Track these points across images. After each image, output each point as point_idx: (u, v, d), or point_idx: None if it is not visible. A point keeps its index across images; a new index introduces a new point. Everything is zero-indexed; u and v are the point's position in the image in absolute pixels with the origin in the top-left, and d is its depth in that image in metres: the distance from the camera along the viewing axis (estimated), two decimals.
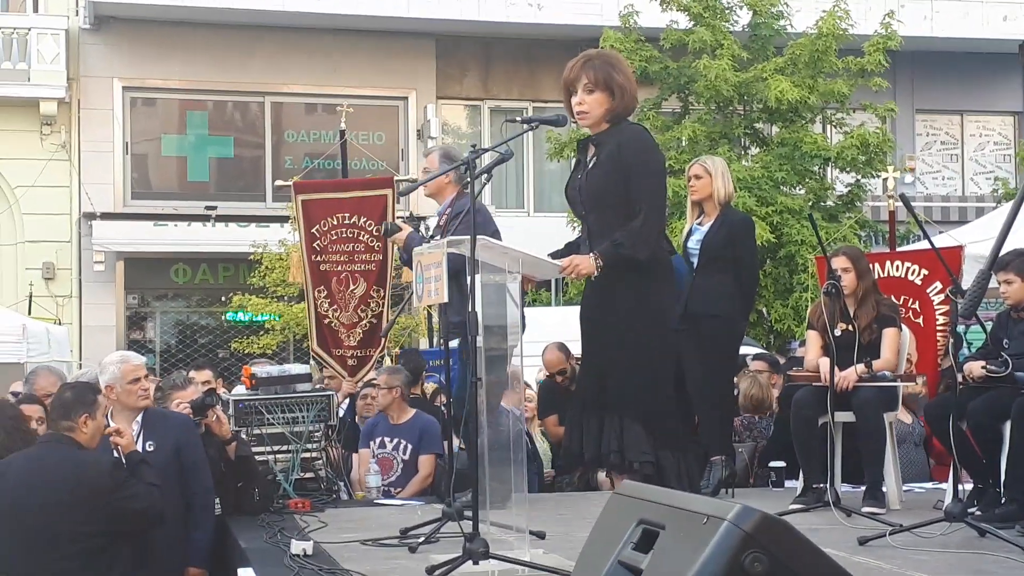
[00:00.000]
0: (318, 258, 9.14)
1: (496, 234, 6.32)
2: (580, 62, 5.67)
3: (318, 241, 9.12)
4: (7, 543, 5.61)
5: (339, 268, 9.13)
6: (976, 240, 8.82)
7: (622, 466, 5.43)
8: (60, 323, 18.30)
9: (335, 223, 9.10)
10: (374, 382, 8.59)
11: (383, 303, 9.15)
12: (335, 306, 9.16)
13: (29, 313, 17.46)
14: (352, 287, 9.15)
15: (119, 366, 6.64)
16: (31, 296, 19.22)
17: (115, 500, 5.61)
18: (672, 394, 5.75)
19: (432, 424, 8.33)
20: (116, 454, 5.98)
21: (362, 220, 9.05)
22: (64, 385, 6.46)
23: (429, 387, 9.69)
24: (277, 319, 18.03)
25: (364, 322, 9.17)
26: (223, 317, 20.44)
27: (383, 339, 9.31)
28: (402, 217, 7.46)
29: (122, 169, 20.55)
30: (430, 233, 7.34)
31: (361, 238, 9.07)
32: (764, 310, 16.52)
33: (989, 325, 6.84)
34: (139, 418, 6.57)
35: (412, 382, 9.03)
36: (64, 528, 5.57)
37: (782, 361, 10.62)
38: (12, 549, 5.60)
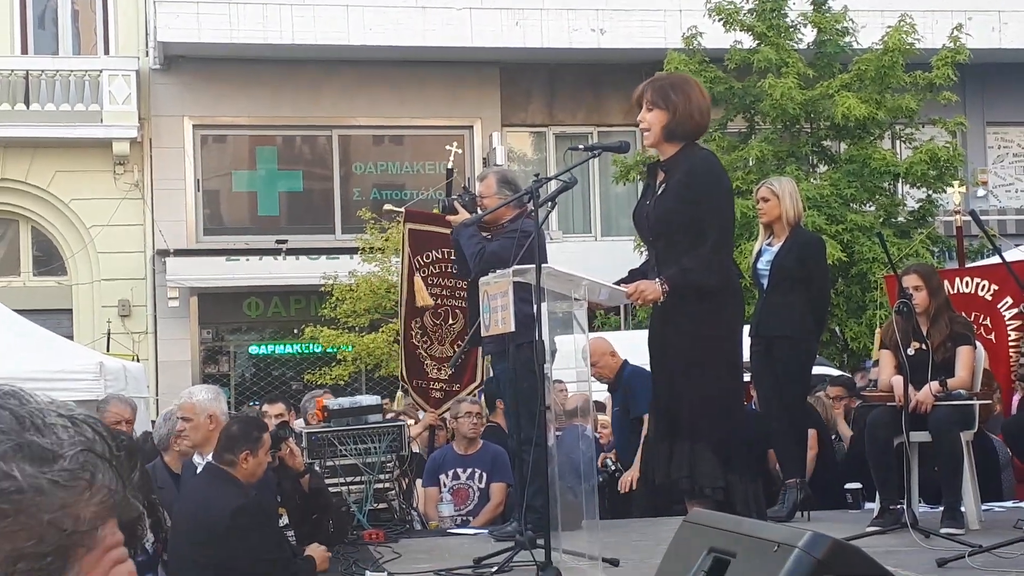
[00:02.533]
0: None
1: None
2: (646, 81, 5.70)
3: (422, 271, 9.11)
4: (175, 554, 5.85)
5: (439, 301, 9.10)
6: None
7: (692, 492, 5.39)
8: (137, 359, 18.53)
9: (439, 256, 9.07)
10: (467, 411, 8.59)
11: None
12: (426, 339, 9.16)
13: (107, 351, 17.70)
14: (452, 322, 9.14)
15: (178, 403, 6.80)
16: (109, 333, 19.50)
17: (221, 541, 5.68)
18: (741, 419, 5.70)
19: (501, 453, 8.34)
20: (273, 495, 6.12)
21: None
22: (233, 418, 6.58)
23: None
24: (349, 350, 18.14)
25: (456, 357, 9.17)
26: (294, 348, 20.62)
27: (476, 370, 9.26)
28: (458, 196, 7.38)
29: (194, 206, 20.84)
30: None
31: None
32: (837, 329, 16.36)
33: None
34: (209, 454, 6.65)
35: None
36: (188, 554, 5.74)
37: (858, 380, 10.50)
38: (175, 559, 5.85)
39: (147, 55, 20.62)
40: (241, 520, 5.72)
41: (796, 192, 7.58)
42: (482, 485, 8.29)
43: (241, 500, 5.81)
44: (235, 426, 6.11)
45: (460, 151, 10.28)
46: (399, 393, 9.39)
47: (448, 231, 9.01)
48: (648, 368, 6.39)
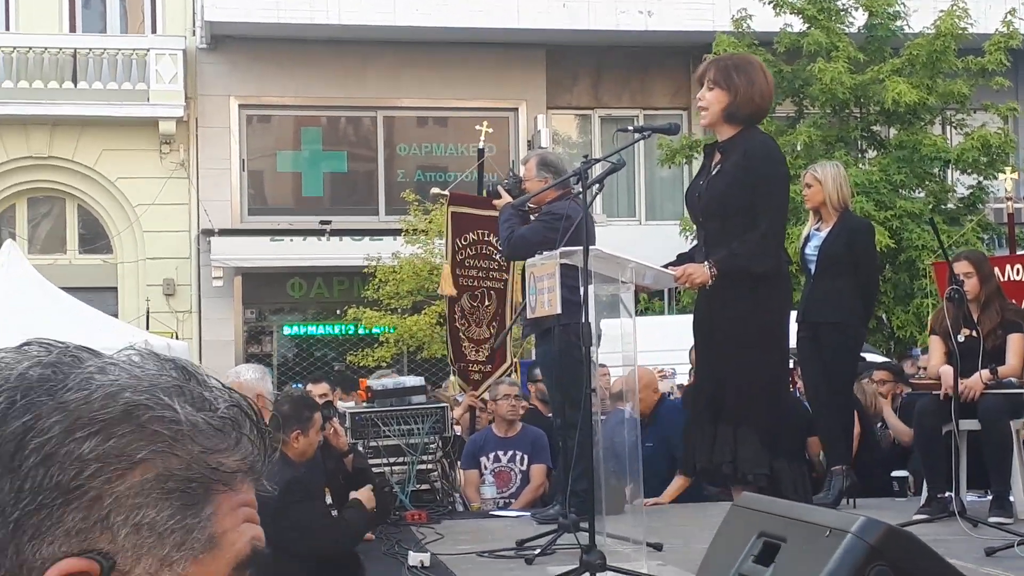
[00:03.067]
0: (458, 271, 9.18)
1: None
2: (710, 60, 5.64)
3: (459, 254, 9.16)
4: None
5: (475, 284, 9.15)
6: None
7: (735, 477, 5.33)
8: (176, 337, 18.63)
9: (475, 238, 9.12)
10: (505, 393, 8.57)
11: (507, 321, 9.19)
12: (464, 320, 9.20)
13: (147, 328, 17.83)
14: (488, 303, 9.18)
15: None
16: (148, 312, 19.63)
17: (271, 517, 5.68)
18: (787, 405, 5.64)
19: (541, 436, 8.33)
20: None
21: (492, 237, 9.08)
22: (283, 397, 6.60)
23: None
24: (391, 331, 18.17)
25: (492, 339, 9.19)
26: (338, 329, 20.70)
27: (506, 351, 9.31)
28: (506, 180, 7.36)
29: (239, 186, 20.92)
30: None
31: (495, 256, 9.08)
32: (884, 316, 16.22)
33: None
34: None
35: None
36: None
37: (907, 368, 10.40)
38: None
39: (194, 34, 20.68)
40: (292, 496, 5.74)
41: (842, 177, 7.49)
42: (523, 467, 8.28)
43: (291, 475, 5.84)
44: (286, 405, 6.14)
45: (491, 130, 10.25)
46: (452, 379, 9.39)
47: (490, 213, 9.04)
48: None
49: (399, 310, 17.96)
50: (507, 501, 8.10)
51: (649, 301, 17.23)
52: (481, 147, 10.09)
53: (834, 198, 7.33)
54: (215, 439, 1.03)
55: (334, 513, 6.58)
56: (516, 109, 21.56)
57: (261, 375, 7.07)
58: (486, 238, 8.99)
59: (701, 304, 5.69)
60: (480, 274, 9.11)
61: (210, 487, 1.02)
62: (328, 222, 20.44)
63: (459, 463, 8.47)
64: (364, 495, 6.27)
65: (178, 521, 1.00)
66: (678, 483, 7.78)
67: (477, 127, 10.30)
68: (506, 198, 7.01)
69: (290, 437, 5.91)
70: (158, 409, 1.00)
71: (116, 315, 18.07)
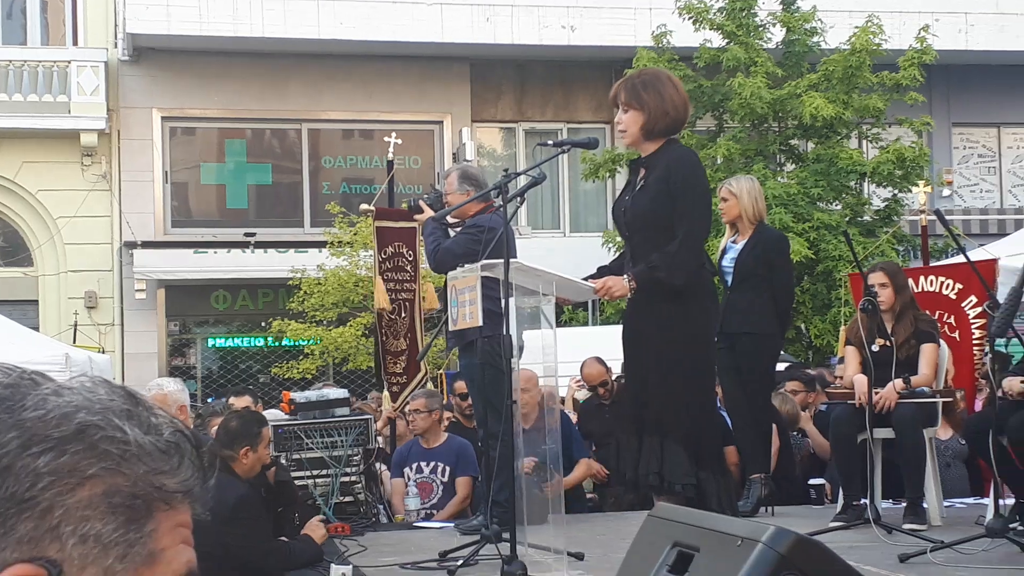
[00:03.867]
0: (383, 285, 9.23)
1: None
2: (620, 81, 5.70)
3: (382, 266, 9.22)
4: None
5: (393, 296, 9.20)
6: (1012, 253, 8.77)
7: (661, 488, 5.40)
8: (103, 351, 18.45)
9: (393, 251, 9.19)
10: (414, 408, 8.62)
11: (418, 332, 9.27)
12: (385, 334, 9.25)
13: (74, 342, 17.62)
14: (404, 315, 9.24)
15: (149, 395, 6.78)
16: (75, 325, 19.41)
17: (221, 531, 5.68)
18: (712, 415, 5.73)
19: (467, 446, 8.36)
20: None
21: (404, 249, 9.14)
22: (230, 414, 6.55)
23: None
24: (316, 343, 18.13)
25: (407, 351, 9.26)
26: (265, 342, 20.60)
27: (421, 363, 9.38)
28: (427, 194, 7.39)
29: (162, 198, 20.75)
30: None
31: (408, 268, 9.16)
32: (803, 326, 16.47)
33: None
34: None
35: (448, 406, 9.08)
36: None
37: (828, 377, 10.56)
38: None
39: (116, 46, 20.49)
40: (242, 511, 5.74)
41: (756, 191, 7.65)
42: (445, 479, 8.31)
43: (243, 490, 5.84)
44: (234, 421, 6.13)
45: (399, 142, 10.30)
46: (384, 392, 9.41)
47: (405, 225, 9.10)
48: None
49: (324, 322, 17.92)
50: (429, 512, 8.13)
51: (573, 312, 17.36)
52: (390, 159, 10.16)
53: (749, 211, 7.48)
54: (160, 461, 1.10)
55: None
56: (441, 122, 21.62)
57: (181, 387, 7.10)
58: (401, 250, 9.08)
59: (628, 316, 5.76)
60: (396, 287, 9.19)
61: (152, 505, 1.09)
62: (253, 234, 20.35)
63: (387, 473, 8.52)
64: (319, 533, 6.29)
65: (122, 535, 1.06)
66: (580, 469, 7.90)
67: (386, 139, 10.35)
68: (428, 212, 7.06)
69: (239, 453, 5.92)
70: (109, 430, 1.07)
71: (37, 328, 17.82)
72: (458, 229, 7.05)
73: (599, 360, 9.08)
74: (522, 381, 8.05)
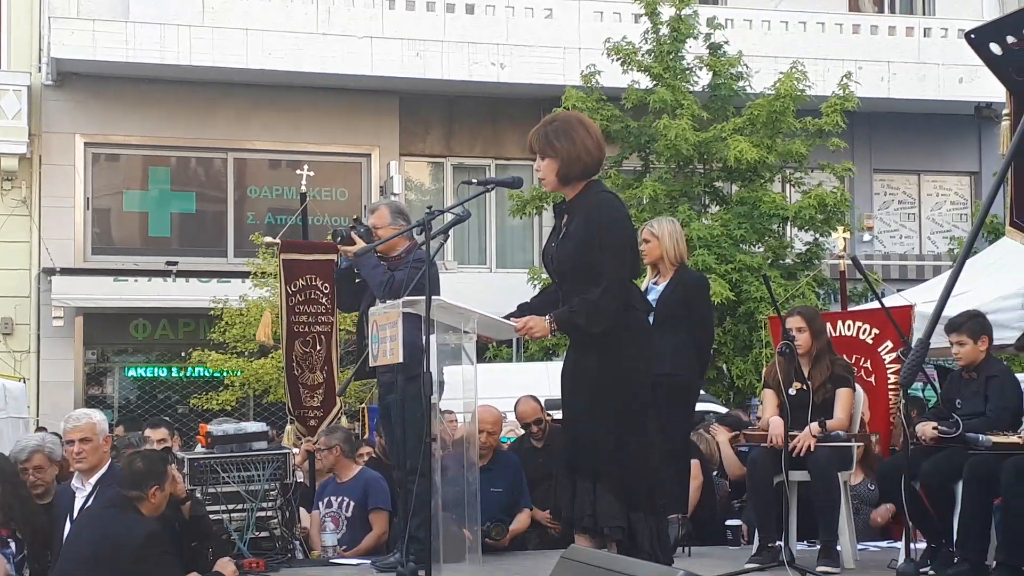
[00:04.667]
0: (292, 318, 9.17)
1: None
2: (536, 128, 5.70)
3: (290, 300, 9.17)
4: None
5: (306, 329, 9.17)
6: (929, 300, 8.90)
7: (595, 530, 5.40)
8: (24, 380, 18.14)
9: (304, 284, 9.16)
10: (323, 443, 8.57)
11: (334, 365, 9.24)
12: (299, 367, 9.20)
13: None
14: (319, 348, 9.19)
15: (63, 426, 6.74)
16: None
17: (132, 569, 5.60)
18: (644, 457, 5.70)
19: (377, 480, 8.32)
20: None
21: (319, 282, 9.10)
22: (133, 453, 6.49)
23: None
24: (237, 375, 17.96)
25: (325, 384, 9.21)
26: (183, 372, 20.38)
27: (339, 398, 9.35)
28: (356, 227, 7.26)
29: (83, 224, 20.48)
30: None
31: (322, 300, 9.12)
32: (724, 366, 16.59)
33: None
34: (94, 478, 6.60)
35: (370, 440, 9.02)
36: None
37: (745, 419, 10.65)
38: None
39: (40, 71, 20.25)
40: (152, 548, 5.69)
41: (678, 233, 7.73)
42: (349, 514, 8.27)
43: (151, 527, 5.78)
44: (139, 462, 6.08)
45: (312, 174, 10.26)
46: (288, 427, 9.35)
47: (317, 257, 9.07)
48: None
49: (245, 353, 17.76)
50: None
51: (497, 348, 17.36)
52: (303, 191, 10.14)
53: (671, 253, 7.56)
54: None
55: None
56: (368, 155, 21.59)
57: (103, 418, 7.05)
58: (314, 283, 9.06)
59: (567, 355, 5.76)
60: (310, 319, 9.15)
61: None
62: (175, 263, 20.14)
63: (300, 509, 8.45)
64: (229, 570, 6.25)
65: None
66: (520, 523, 7.89)
67: (298, 171, 10.34)
68: (360, 243, 7.01)
69: (147, 493, 5.88)
70: None
71: None
72: (392, 264, 7.00)
73: (534, 398, 9.02)
74: (489, 423, 8.06)
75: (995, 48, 3.17)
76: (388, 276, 6.81)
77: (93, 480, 6.65)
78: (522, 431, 9.24)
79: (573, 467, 5.47)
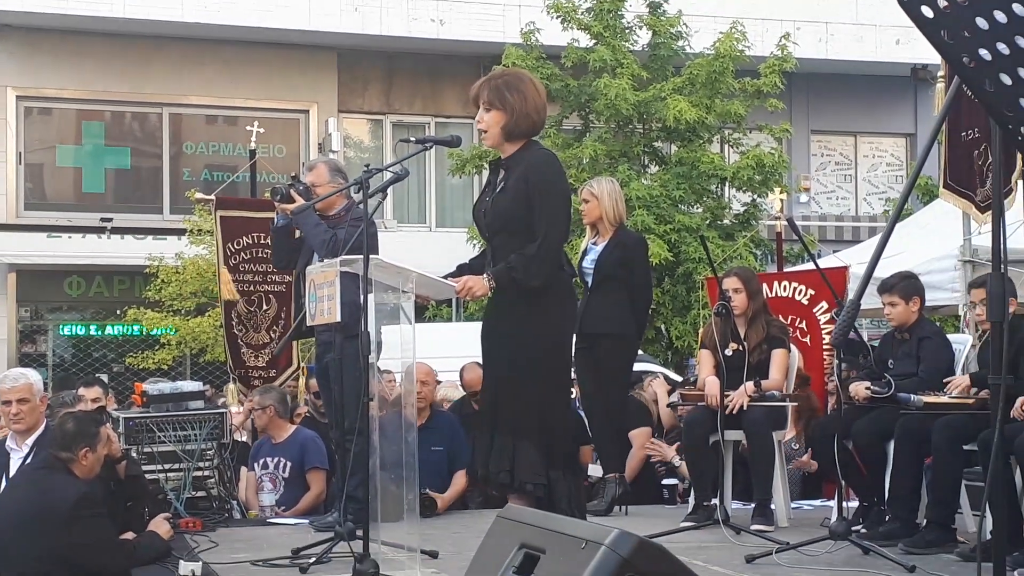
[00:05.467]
0: (235, 276, 9.08)
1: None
2: (482, 81, 5.67)
3: (232, 259, 9.06)
4: None
5: (250, 288, 9.09)
6: (864, 261, 9.00)
7: (512, 486, 5.43)
8: None
9: (249, 242, 9.06)
10: (260, 405, 8.53)
11: (287, 323, 9.13)
12: (242, 326, 9.12)
13: None
14: (265, 307, 9.12)
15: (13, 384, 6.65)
16: None
17: (64, 530, 5.56)
18: (565, 415, 5.77)
19: (313, 439, 8.30)
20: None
21: (265, 239, 9.01)
22: (65, 415, 6.40)
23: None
24: (173, 333, 17.83)
25: (273, 343, 9.13)
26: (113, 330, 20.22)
27: (291, 355, 9.28)
28: (295, 184, 7.11)
29: (15, 179, 20.19)
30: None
31: (270, 258, 9.04)
32: (663, 327, 16.70)
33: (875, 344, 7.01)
34: (33, 438, 6.55)
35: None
36: (13, 548, 5.61)
37: (679, 379, 10.74)
38: None
39: None
40: (84, 509, 5.65)
41: (617, 193, 7.75)
42: (286, 474, 8.26)
43: (84, 489, 5.74)
44: (70, 423, 6.02)
45: (262, 131, 10.18)
46: (229, 385, 9.29)
47: (264, 215, 8.97)
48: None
49: (182, 312, 17.63)
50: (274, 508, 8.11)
51: (437, 308, 17.36)
52: (252, 148, 10.05)
53: (610, 213, 7.57)
54: None
55: None
56: (307, 111, 21.44)
57: (39, 378, 6.99)
58: (262, 241, 8.95)
59: (487, 314, 5.78)
60: (256, 278, 9.08)
61: None
62: (109, 219, 19.93)
63: (243, 468, 8.43)
64: (163, 529, 6.22)
65: None
66: (456, 486, 7.89)
67: (248, 128, 10.25)
68: (300, 201, 6.94)
69: (78, 455, 5.82)
70: None
71: None
72: (331, 222, 6.94)
73: (479, 365, 8.96)
74: (420, 375, 8.02)
75: (927, 11, 3.18)
76: (330, 235, 6.76)
77: (30, 441, 6.60)
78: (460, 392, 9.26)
79: (493, 423, 5.49)
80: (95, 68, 20.15)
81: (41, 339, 20.95)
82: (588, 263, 7.60)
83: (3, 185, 19.99)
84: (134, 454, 7.17)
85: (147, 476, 7.11)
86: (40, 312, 21.01)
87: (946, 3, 3.16)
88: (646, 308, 7.97)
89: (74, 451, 5.82)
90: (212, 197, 9.60)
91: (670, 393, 9.27)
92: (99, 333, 20.70)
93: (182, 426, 7.48)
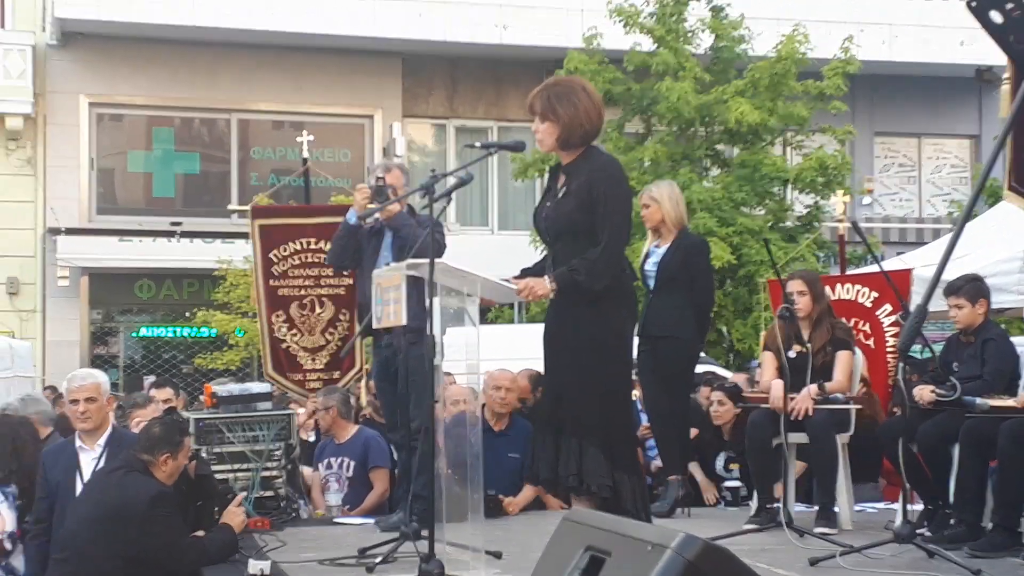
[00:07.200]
0: (276, 283, 9.17)
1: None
2: (536, 90, 5.73)
3: (276, 266, 9.17)
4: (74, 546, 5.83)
5: (302, 292, 9.17)
6: (928, 263, 8.96)
7: (580, 489, 5.46)
8: (13, 336, 18.19)
9: (297, 248, 9.16)
10: (324, 406, 8.62)
11: (351, 325, 9.20)
12: (294, 331, 9.22)
13: None
14: (319, 311, 9.21)
15: (66, 385, 6.75)
16: None
17: (138, 529, 5.67)
18: (628, 417, 5.81)
19: (375, 439, 8.37)
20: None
21: (321, 243, 9.11)
22: (154, 420, 6.51)
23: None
24: (241, 335, 18.04)
25: (331, 345, 9.23)
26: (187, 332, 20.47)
27: (354, 357, 9.35)
28: (380, 186, 7.10)
29: (87, 185, 20.53)
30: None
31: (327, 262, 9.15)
32: (724, 329, 16.65)
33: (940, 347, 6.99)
34: (104, 439, 6.65)
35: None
36: (91, 548, 5.73)
37: (739, 381, 10.69)
38: (72, 552, 5.80)
39: (44, 30, 20.24)
40: (159, 508, 5.75)
41: (677, 195, 7.78)
42: (349, 474, 8.34)
43: (159, 488, 5.87)
44: (157, 427, 6.13)
45: (312, 139, 10.28)
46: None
47: (311, 221, 9.04)
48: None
49: (250, 313, 17.83)
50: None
51: (499, 310, 17.43)
52: (305, 156, 10.17)
53: (671, 216, 7.62)
54: None
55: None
56: (372, 116, 21.59)
57: (106, 378, 7.12)
58: (313, 246, 9.04)
59: (549, 317, 5.82)
60: (307, 283, 9.15)
61: None
62: (179, 223, 20.19)
63: (307, 468, 8.54)
64: (237, 521, 6.31)
65: None
66: (526, 493, 7.92)
67: (298, 138, 10.38)
68: (397, 208, 7.03)
69: (159, 459, 5.93)
70: None
71: None
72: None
73: (531, 376, 8.93)
74: (506, 381, 8.08)
75: (996, 16, 3.20)
76: (424, 233, 6.83)
77: (101, 442, 6.70)
78: None
79: (557, 427, 5.54)
80: (165, 75, 20.44)
81: (112, 341, 21.26)
82: (650, 266, 7.64)
83: (76, 190, 20.33)
84: (204, 454, 7.30)
85: (217, 476, 7.24)
86: (111, 314, 21.32)
87: (1013, 6, 3.18)
88: (708, 311, 7.99)
89: (156, 455, 5.92)
90: (247, 207, 9.73)
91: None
92: (169, 335, 21.00)
93: (251, 427, 7.61)
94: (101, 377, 6.99)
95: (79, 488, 6.45)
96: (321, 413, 8.52)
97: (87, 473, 6.54)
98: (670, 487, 7.55)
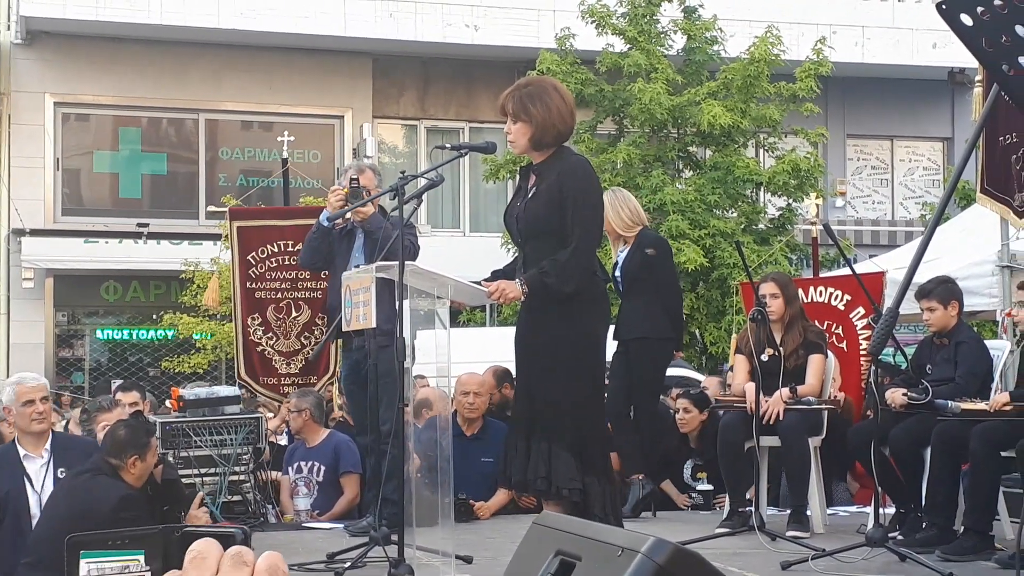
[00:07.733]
0: (253, 285, 9.09)
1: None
2: (507, 91, 5.69)
3: (253, 268, 9.08)
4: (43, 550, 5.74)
5: (279, 296, 9.09)
6: (901, 266, 8.95)
7: (548, 492, 5.43)
8: None
9: (275, 250, 9.07)
10: (296, 408, 8.55)
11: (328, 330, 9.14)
12: (270, 334, 9.14)
13: None
14: (295, 314, 9.12)
15: (13, 388, 6.63)
16: None
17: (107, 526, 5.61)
18: (600, 421, 5.77)
19: (346, 443, 8.30)
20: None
21: (296, 246, 9.02)
22: (119, 422, 6.42)
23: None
24: (208, 338, 17.91)
25: (306, 349, 9.14)
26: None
27: (329, 361, 9.26)
28: (355, 187, 7.01)
29: (53, 185, 20.36)
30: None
31: None
32: (697, 332, 16.63)
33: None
34: (48, 444, 6.56)
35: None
36: (58, 547, 5.63)
37: (711, 385, 10.64)
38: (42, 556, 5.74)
39: (9, 29, 20.06)
40: (125, 511, 5.69)
41: (620, 200, 7.75)
42: (320, 479, 8.28)
43: (126, 490, 5.87)
44: (122, 430, 6.08)
45: (292, 139, 10.21)
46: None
47: (288, 223, 8.97)
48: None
49: (217, 316, 17.71)
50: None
51: (471, 313, 17.37)
52: (284, 156, 10.10)
53: (617, 223, 7.64)
54: None
55: None
56: (342, 117, 21.51)
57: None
58: (290, 248, 8.97)
59: (520, 319, 5.78)
60: (284, 286, 9.08)
61: None
62: (146, 225, 20.04)
63: (274, 473, 8.45)
64: (202, 519, 6.27)
65: None
66: (499, 497, 7.86)
67: (279, 138, 10.30)
68: (373, 210, 6.97)
69: (127, 462, 5.87)
70: None
71: None
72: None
73: (497, 372, 8.88)
74: (475, 385, 8.01)
75: (965, 19, 3.17)
76: (395, 233, 6.77)
77: (47, 446, 6.58)
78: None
79: (528, 430, 5.49)
80: (131, 75, 20.29)
81: (78, 343, 21.09)
82: (618, 272, 7.66)
83: (41, 191, 20.15)
84: (170, 459, 7.21)
85: (183, 480, 7.15)
86: (77, 317, 21.16)
87: (983, 9, 3.15)
88: (676, 307, 7.93)
89: (124, 458, 5.89)
90: (225, 208, 9.66)
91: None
92: (135, 337, 20.83)
93: (218, 431, 7.52)
94: (43, 380, 6.92)
95: (31, 495, 6.37)
96: (293, 415, 8.44)
97: (37, 480, 6.44)
98: (633, 487, 7.52)
